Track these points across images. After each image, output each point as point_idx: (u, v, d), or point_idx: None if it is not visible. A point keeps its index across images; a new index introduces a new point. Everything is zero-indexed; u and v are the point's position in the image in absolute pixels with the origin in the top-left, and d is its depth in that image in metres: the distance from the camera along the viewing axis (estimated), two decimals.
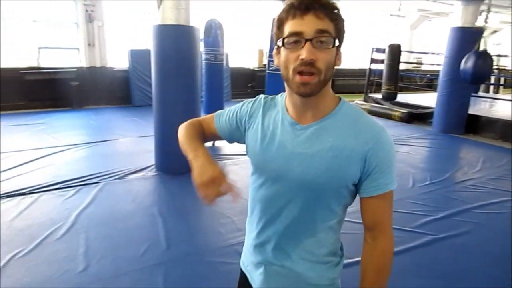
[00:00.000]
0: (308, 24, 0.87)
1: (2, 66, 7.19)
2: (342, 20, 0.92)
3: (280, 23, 0.92)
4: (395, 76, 8.39)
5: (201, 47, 4.92)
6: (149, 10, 8.69)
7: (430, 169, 5.04)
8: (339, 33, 0.91)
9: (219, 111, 1.18)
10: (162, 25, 4.00)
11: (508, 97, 11.13)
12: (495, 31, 14.69)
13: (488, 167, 5.23)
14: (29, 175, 4.15)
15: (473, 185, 4.46)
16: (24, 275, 2.45)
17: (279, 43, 0.92)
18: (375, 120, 0.98)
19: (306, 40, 0.86)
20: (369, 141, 0.93)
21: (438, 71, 9.00)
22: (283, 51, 0.91)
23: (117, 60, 8.30)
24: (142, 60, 8.03)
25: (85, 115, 7.37)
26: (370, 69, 9.38)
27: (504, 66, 13.63)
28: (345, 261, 1.14)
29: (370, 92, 9.64)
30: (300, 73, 0.88)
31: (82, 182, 3.99)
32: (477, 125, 7.29)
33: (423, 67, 13.83)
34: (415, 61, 13.56)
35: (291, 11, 0.89)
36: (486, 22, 5.86)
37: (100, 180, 4.09)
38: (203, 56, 5.04)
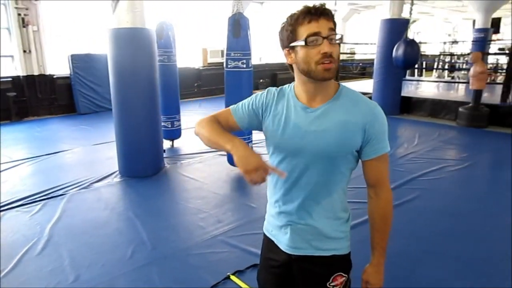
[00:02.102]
0: (323, 26, 1.10)
1: None
2: None
3: (293, 28, 1.13)
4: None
5: None
6: (91, 13, 8.38)
7: None
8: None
9: (232, 106, 1.34)
10: (118, 28, 3.99)
11: (431, 78, 12.36)
12: (414, 21, 16.09)
13: (423, 141, 5.90)
14: None
15: (414, 158, 5.05)
16: None
17: (299, 43, 1.12)
18: (369, 99, 1.22)
19: (324, 38, 1.09)
20: (366, 115, 1.16)
21: (370, 59, 9.74)
22: (302, 49, 1.12)
23: (57, 66, 7.89)
24: (84, 65, 7.73)
25: (28, 127, 6.96)
26: None
27: (424, 51, 15.04)
28: None
29: None
30: (323, 63, 1.10)
31: (46, 196, 3.87)
32: (409, 106, 8.08)
33: (356, 56, 14.80)
34: (348, 51, 14.45)
35: (306, 18, 1.11)
36: (410, 13, 6.50)
37: (65, 192, 3.99)
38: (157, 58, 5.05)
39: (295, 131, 1.19)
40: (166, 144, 5.50)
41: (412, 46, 6.39)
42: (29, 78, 7.51)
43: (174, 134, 5.63)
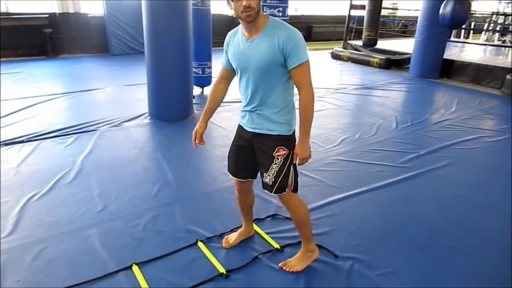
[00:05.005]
0: None
1: None
2: None
3: None
4: (376, 22, 8.45)
5: None
6: None
7: (410, 111, 5.36)
8: None
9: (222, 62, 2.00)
10: None
11: (478, 41, 11.55)
12: None
13: (461, 108, 5.61)
14: (23, 123, 4.14)
15: (450, 125, 4.83)
16: (46, 215, 2.57)
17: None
18: (288, 26, 1.71)
19: None
20: (282, 38, 1.67)
21: (413, 16, 9.12)
22: (233, 3, 1.65)
23: (92, 5, 7.87)
24: (118, 6, 7.66)
25: (63, 63, 7.12)
26: (349, 15, 9.36)
27: (474, 10, 13.90)
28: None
29: (349, 39, 9.71)
30: (244, 11, 1.63)
31: (79, 130, 4.03)
32: (451, 70, 7.63)
33: (398, 13, 13.91)
34: (390, 7, 13.58)
35: None
36: None
37: (96, 128, 4.13)
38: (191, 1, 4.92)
39: (243, 56, 1.79)
40: (196, 90, 5.50)
41: (462, 3, 5.90)
42: (65, 16, 7.55)
43: (205, 81, 5.60)
